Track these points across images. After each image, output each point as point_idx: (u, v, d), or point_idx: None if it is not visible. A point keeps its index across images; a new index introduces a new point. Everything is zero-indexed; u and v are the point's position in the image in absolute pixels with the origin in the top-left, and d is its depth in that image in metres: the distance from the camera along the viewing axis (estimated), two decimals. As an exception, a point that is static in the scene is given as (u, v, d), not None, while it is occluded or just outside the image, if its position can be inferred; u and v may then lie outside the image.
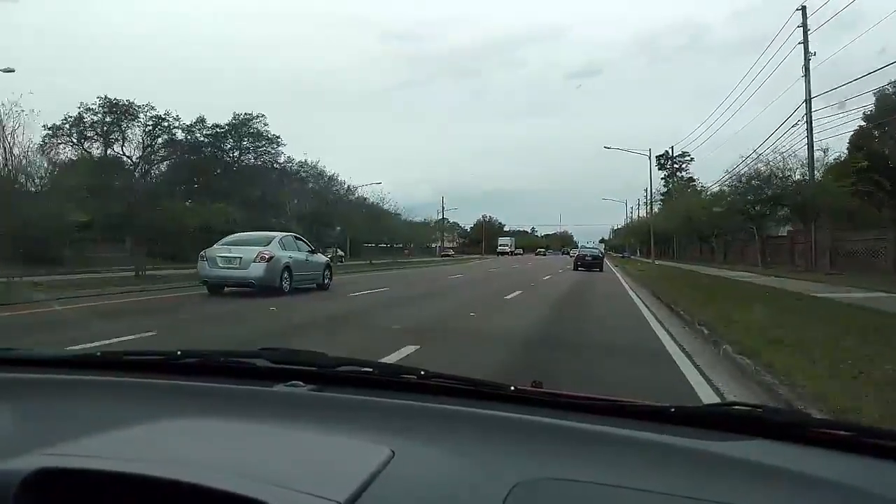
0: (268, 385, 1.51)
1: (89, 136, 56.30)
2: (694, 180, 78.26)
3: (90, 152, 56.29)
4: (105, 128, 56.37)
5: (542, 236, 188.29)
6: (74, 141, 55.66)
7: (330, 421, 1.30)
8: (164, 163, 60.48)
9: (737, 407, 1.45)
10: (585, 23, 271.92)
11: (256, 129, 65.84)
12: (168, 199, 50.07)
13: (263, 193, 59.10)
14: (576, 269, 41.42)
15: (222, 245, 18.61)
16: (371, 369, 1.63)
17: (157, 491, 0.91)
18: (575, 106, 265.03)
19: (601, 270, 41.12)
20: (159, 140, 59.51)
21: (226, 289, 17.99)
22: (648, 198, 64.02)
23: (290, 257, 18.58)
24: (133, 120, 57.74)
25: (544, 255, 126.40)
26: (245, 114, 65.05)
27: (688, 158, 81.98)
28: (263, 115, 65.38)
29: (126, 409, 1.38)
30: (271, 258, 17.70)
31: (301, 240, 20.75)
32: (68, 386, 1.59)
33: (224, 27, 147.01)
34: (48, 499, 0.94)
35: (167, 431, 1.22)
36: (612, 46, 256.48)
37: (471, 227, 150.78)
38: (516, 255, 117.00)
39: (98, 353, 1.89)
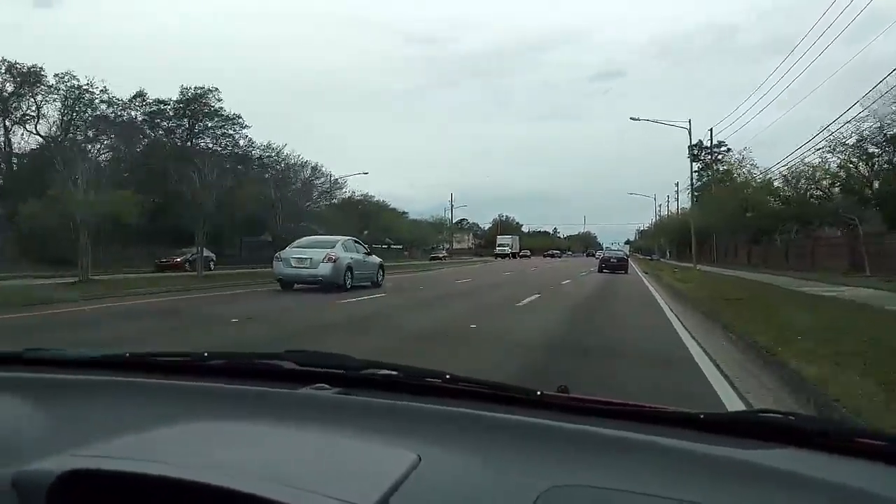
0: (293, 387, 1.45)
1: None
2: (732, 173, 64.25)
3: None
4: (4, 99, 43.73)
5: (564, 237, 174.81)
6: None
7: (356, 425, 1.25)
8: (88, 145, 47.83)
9: (767, 414, 1.31)
10: (609, 24, 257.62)
11: (210, 105, 53.07)
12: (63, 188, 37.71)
13: (215, 181, 45.76)
14: (600, 270, 38.31)
15: (294, 248, 20.36)
16: (396, 372, 1.53)
17: (184, 493, 0.90)
18: (599, 107, 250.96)
19: (626, 272, 38.14)
20: (81, 116, 46.97)
21: (295, 286, 19.55)
22: (690, 181, 49.85)
23: (352, 258, 20.27)
24: (51, 93, 45.29)
25: (558, 256, 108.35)
26: (195, 87, 52.26)
27: (724, 149, 68.05)
28: (217, 90, 52.65)
29: (153, 410, 1.34)
30: (336, 259, 19.28)
31: (359, 243, 22.44)
32: (96, 387, 1.55)
33: (225, 28, 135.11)
34: (78, 499, 0.94)
35: (194, 434, 1.19)
36: (636, 48, 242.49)
37: (488, 227, 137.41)
38: (523, 256, 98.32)
39: (126, 354, 1.76)
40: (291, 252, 19.89)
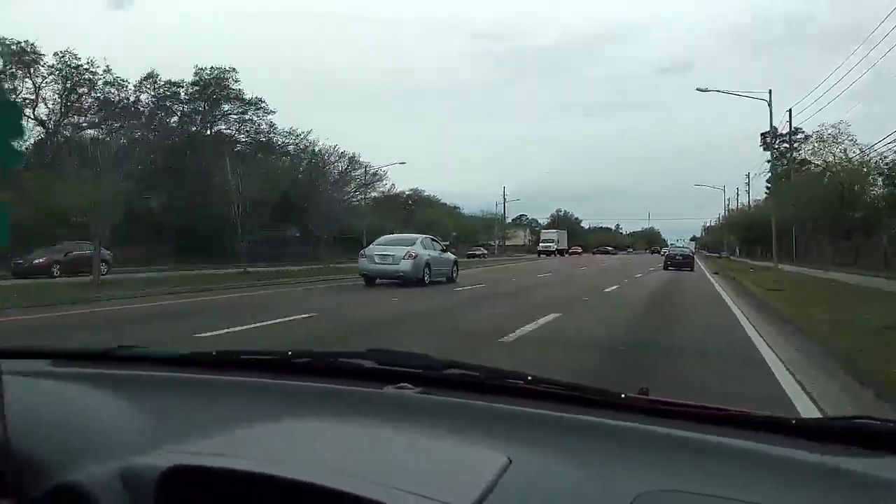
0: (377, 387, 1.42)
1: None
2: (809, 162, 55.29)
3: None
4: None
5: (627, 234, 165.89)
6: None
7: (441, 425, 1.21)
8: (87, 131, 42.28)
9: (864, 420, 1.21)
10: (679, 15, 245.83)
11: (228, 88, 47.26)
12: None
13: (234, 171, 39.72)
14: (666, 268, 36.95)
15: (377, 245, 20.94)
16: (477, 373, 1.48)
17: (281, 490, 0.90)
18: (665, 101, 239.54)
19: (692, 270, 35.84)
20: (81, 98, 41.52)
21: (377, 281, 20.07)
22: (771, 164, 41.95)
23: (430, 255, 20.84)
24: (51, 73, 39.95)
25: (612, 254, 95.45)
26: (211, 68, 46.52)
27: (800, 136, 58.61)
28: (234, 70, 46.79)
29: (242, 407, 1.34)
30: (416, 256, 19.88)
31: (436, 240, 22.99)
32: (186, 384, 1.54)
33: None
34: (179, 494, 0.94)
35: (287, 431, 1.17)
36: (705, 39, 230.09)
37: (546, 223, 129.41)
38: (573, 253, 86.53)
39: (213, 353, 1.75)
40: (375, 249, 20.60)
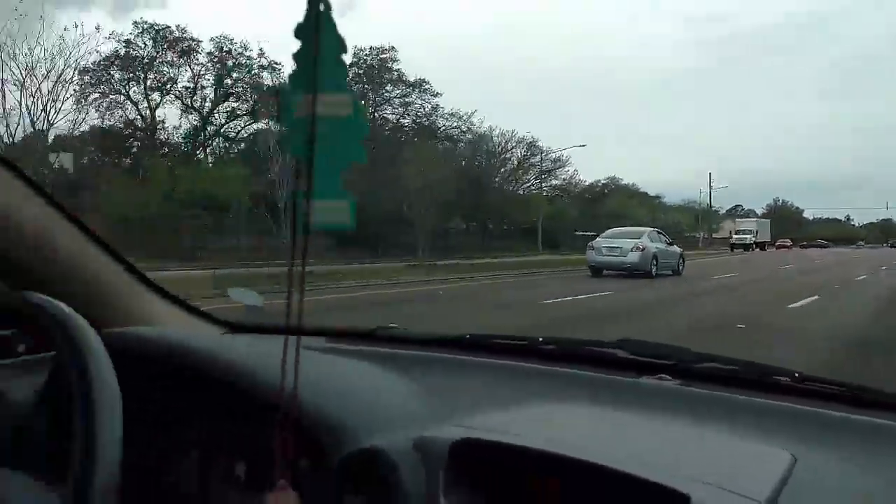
0: (632, 376, 1.37)
1: (133, 78, 37.09)
2: None
3: (130, 98, 37.23)
4: (144, 68, 36.98)
5: (860, 226, 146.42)
6: (115, 88, 36.51)
7: (704, 418, 1.15)
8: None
9: None
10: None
11: (390, 70, 43.48)
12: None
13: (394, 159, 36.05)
14: None
15: (604, 238, 21.28)
16: (737, 367, 1.38)
17: (564, 471, 0.89)
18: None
19: None
20: (237, 83, 39.34)
21: (604, 272, 20.13)
22: None
23: (657, 248, 20.66)
24: (187, 56, 37.84)
25: (825, 247, 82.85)
26: (370, 48, 42.84)
27: None
28: (394, 49, 42.85)
29: (499, 389, 1.35)
30: (644, 249, 19.89)
31: (662, 234, 22.69)
32: (447, 363, 1.54)
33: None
34: (466, 468, 0.95)
35: (556, 414, 1.17)
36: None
37: (762, 214, 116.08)
38: (781, 247, 73.21)
39: (467, 336, 1.71)
40: (602, 242, 20.95)
